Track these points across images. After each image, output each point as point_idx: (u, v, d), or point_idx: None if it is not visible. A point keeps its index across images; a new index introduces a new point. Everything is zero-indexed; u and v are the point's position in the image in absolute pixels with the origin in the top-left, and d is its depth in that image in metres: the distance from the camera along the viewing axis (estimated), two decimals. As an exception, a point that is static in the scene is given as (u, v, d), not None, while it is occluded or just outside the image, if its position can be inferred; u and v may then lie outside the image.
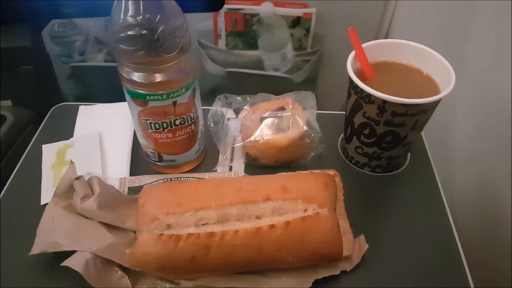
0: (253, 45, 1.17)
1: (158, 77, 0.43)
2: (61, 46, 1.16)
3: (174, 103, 0.45)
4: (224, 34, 1.16)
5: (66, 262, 0.41)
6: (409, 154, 0.59)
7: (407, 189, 0.55)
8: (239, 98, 0.57)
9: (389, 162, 0.55)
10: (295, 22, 1.13)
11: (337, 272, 0.44)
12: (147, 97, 0.44)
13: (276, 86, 1.16)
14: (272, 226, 0.41)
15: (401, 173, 0.57)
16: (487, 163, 0.65)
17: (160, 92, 0.44)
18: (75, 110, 0.63)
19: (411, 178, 0.56)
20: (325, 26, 1.16)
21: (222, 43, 1.18)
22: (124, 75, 0.44)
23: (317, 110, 0.57)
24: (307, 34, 1.17)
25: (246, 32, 1.16)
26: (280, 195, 0.43)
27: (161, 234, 0.40)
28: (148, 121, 0.47)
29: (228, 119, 0.58)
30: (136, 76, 0.43)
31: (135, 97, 0.45)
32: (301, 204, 0.42)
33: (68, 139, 0.58)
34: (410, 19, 1.02)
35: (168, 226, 0.41)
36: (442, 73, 0.50)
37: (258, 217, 0.42)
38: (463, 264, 0.46)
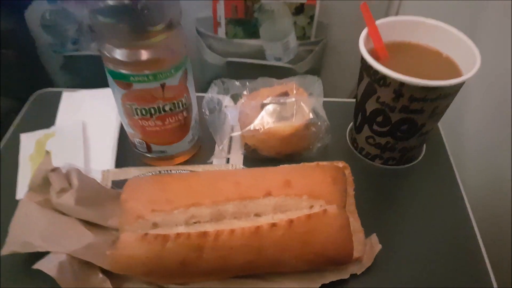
0: (254, 34, 1.12)
1: (144, 55, 0.39)
2: (53, 35, 1.11)
3: (163, 86, 0.41)
4: (223, 22, 1.12)
5: (38, 265, 0.37)
6: (424, 145, 0.55)
7: (422, 183, 0.52)
8: (237, 83, 0.53)
9: (403, 153, 0.51)
10: (299, 9, 1.09)
11: (346, 276, 0.40)
12: (131, 78, 0.40)
13: (278, 77, 1.11)
14: (273, 225, 0.37)
15: (416, 165, 0.54)
16: (506, 155, 0.60)
17: (145, 72, 0.40)
18: (58, 96, 0.59)
19: (427, 171, 0.53)
20: (329, 14, 1.12)
21: (221, 31, 1.13)
22: (106, 53, 0.39)
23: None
24: (311, 22, 1.13)
25: (247, 20, 1.12)
26: (283, 190, 0.39)
27: (146, 234, 0.36)
28: (134, 107, 0.42)
29: (225, 106, 0.54)
30: (119, 54, 0.39)
31: (118, 78, 0.40)
32: (306, 201, 0.39)
33: (49, 128, 0.54)
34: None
35: (155, 225, 0.37)
36: (464, 54, 0.46)
37: (257, 215, 0.38)
38: (486, 265, 0.44)
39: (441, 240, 0.45)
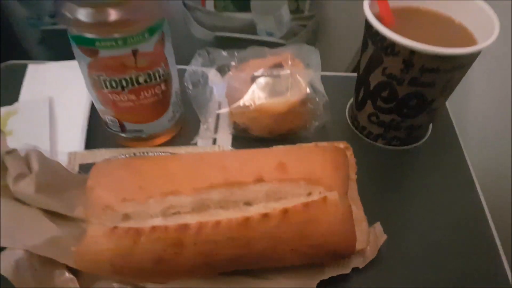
0: (245, 7, 1.08)
1: (111, 15, 0.33)
2: (29, 8, 1.06)
3: (135, 53, 0.36)
4: (212, -7, 1.07)
5: None
6: (430, 124, 0.51)
7: (429, 166, 0.48)
8: (224, 53, 0.48)
9: (409, 132, 0.47)
10: (291, -19, 1.04)
11: (347, 271, 0.37)
12: (97, 43, 0.34)
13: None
14: (265, 215, 0.32)
15: (422, 146, 0.50)
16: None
17: (114, 35, 0.34)
18: (24, 69, 0.54)
19: (433, 152, 0.49)
20: (324, -14, 1.07)
21: (210, 4, 1.10)
22: (67, 13, 0.34)
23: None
24: (304, -6, 1.07)
25: (237, -9, 1.06)
26: (276, 175, 0.34)
27: (115, 228, 0.31)
28: (102, 78, 0.37)
29: (211, 79, 0.48)
30: (82, 14, 0.33)
31: (82, 43, 0.35)
32: (303, 187, 0.34)
33: (11, 105, 0.49)
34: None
35: (126, 217, 0.32)
36: (479, 20, 0.42)
37: (247, 203, 0.33)
38: (500, 256, 0.40)
39: (451, 228, 0.42)
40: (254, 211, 0.32)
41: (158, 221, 0.32)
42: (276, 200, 0.33)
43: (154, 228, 0.31)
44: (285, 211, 0.32)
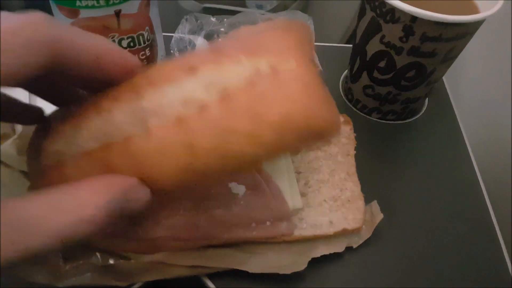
0: (234, -22, 1.04)
1: None
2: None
3: (117, 14, 0.33)
4: (200, -37, 1.02)
5: None
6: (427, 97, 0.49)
7: (425, 141, 0.45)
8: (213, 19, 0.45)
9: (406, 106, 0.45)
10: (282, -50, 1.00)
11: (341, 249, 0.35)
12: (77, 2, 0.31)
13: (260, 26, 1.05)
14: (202, 108, 0.22)
15: (418, 120, 0.48)
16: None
17: None
18: None
19: (430, 127, 0.47)
20: (317, -45, 1.04)
21: None
22: None
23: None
24: (295, -35, 1.04)
25: (226, -40, 1.02)
26: (211, 60, 0.24)
27: (44, 166, 0.25)
28: None
29: (199, 47, 0.44)
30: None
31: (61, 3, 0.32)
32: (245, 63, 0.23)
33: None
34: None
35: (57, 154, 0.25)
36: None
37: (185, 102, 0.23)
38: (496, 234, 0.39)
39: (448, 205, 0.40)
40: (191, 108, 0.23)
41: (91, 144, 0.24)
42: (218, 90, 0.23)
43: (79, 156, 0.24)
44: (225, 97, 0.22)
